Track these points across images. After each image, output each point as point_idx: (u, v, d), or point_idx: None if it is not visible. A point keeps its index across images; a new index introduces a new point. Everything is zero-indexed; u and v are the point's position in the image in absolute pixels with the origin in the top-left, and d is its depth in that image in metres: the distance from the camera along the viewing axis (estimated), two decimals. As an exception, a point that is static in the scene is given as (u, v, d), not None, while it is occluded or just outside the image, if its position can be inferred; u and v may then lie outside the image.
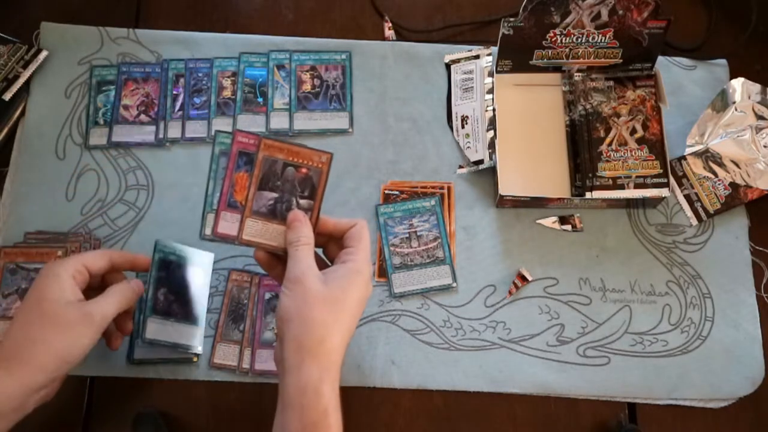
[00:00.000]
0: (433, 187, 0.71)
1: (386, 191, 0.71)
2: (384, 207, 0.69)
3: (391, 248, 0.68)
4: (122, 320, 0.59)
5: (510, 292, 0.67)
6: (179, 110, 0.73)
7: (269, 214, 0.53)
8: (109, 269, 0.58)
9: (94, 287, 0.57)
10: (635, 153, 0.68)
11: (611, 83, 0.71)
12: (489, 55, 0.74)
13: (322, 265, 0.54)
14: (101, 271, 0.56)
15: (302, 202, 0.54)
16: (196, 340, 0.64)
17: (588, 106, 0.70)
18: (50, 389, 0.52)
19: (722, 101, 0.71)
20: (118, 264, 0.58)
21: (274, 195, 0.53)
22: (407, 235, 0.68)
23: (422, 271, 0.67)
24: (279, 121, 0.72)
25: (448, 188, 0.71)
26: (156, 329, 0.60)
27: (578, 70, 0.72)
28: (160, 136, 0.72)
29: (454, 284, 0.67)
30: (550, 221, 0.70)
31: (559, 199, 0.68)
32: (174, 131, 0.72)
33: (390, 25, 0.77)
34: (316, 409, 0.47)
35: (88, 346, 0.52)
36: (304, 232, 0.53)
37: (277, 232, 0.53)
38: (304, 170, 0.54)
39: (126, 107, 0.73)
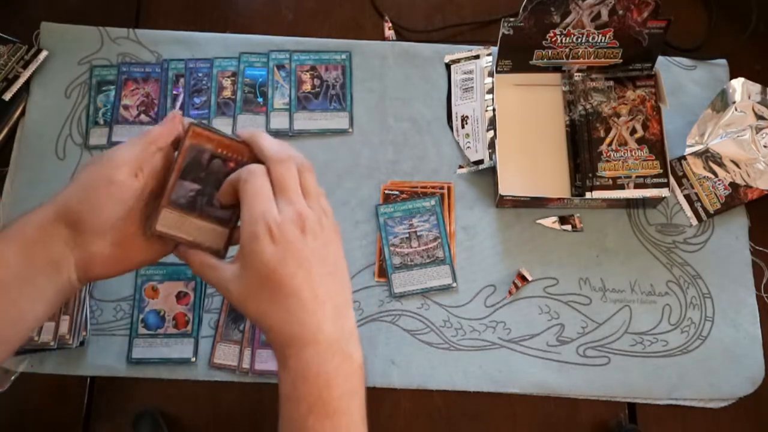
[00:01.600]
0: (433, 187, 0.71)
1: (386, 191, 0.71)
2: (384, 207, 0.69)
3: (391, 248, 0.68)
4: None
5: (510, 292, 0.67)
6: (179, 110, 0.73)
7: (188, 206, 0.48)
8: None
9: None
10: (635, 153, 0.68)
11: (611, 83, 0.71)
12: (489, 55, 0.74)
13: None
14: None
15: None
16: (222, 241, 0.49)
17: (588, 106, 0.70)
18: (85, 259, 0.44)
19: (722, 101, 0.71)
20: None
21: (196, 186, 0.48)
22: (407, 235, 0.68)
23: (422, 271, 0.67)
24: (279, 121, 0.72)
25: (448, 188, 0.71)
26: (173, 221, 0.47)
27: (578, 70, 0.72)
28: (160, 136, 0.72)
29: (454, 284, 0.67)
30: (550, 221, 0.70)
31: (559, 199, 0.68)
32: (174, 131, 0.72)
33: (390, 25, 0.77)
34: (316, 377, 0.42)
35: (115, 213, 0.44)
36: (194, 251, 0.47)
37: (194, 227, 0.48)
38: (231, 164, 0.48)
39: (126, 107, 0.73)
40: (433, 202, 0.69)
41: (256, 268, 0.42)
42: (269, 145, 0.45)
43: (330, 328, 0.43)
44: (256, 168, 0.44)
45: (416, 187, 0.71)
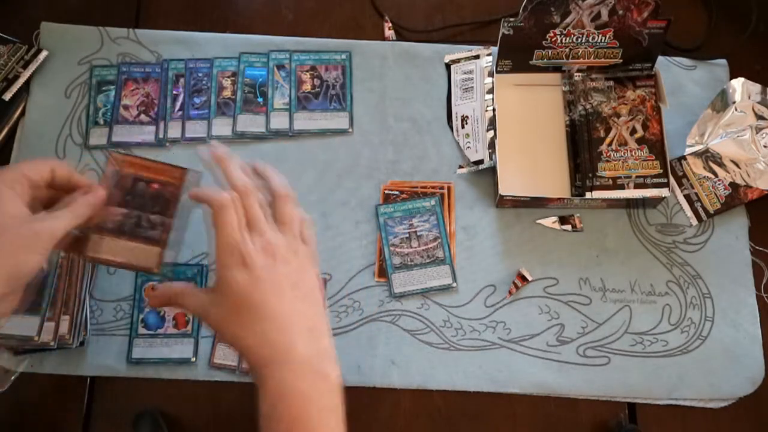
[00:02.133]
0: (433, 187, 0.71)
1: (386, 191, 0.71)
2: (384, 207, 0.69)
3: (391, 248, 0.68)
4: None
5: (510, 292, 0.67)
6: (179, 110, 0.73)
7: (116, 230, 0.51)
8: (53, 180, 0.50)
9: (47, 203, 0.51)
10: (635, 153, 0.68)
11: (611, 83, 0.71)
12: (489, 55, 0.74)
13: None
14: (43, 180, 0.50)
15: (152, 217, 0.52)
16: (154, 260, 0.52)
17: (588, 106, 0.70)
18: (10, 303, 0.47)
19: (722, 101, 0.71)
20: (60, 176, 0.51)
21: (122, 210, 0.51)
22: (407, 235, 0.68)
23: (422, 271, 0.67)
24: (279, 121, 0.72)
25: (448, 188, 0.71)
26: (103, 246, 0.51)
27: (578, 70, 0.72)
28: (160, 136, 0.72)
29: (454, 284, 0.67)
30: (550, 221, 0.70)
31: (559, 199, 0.68)
32: (174, 131, 0.72)
33: (390, 25, 0.77)
34: (294, 399, 0.44)
35: (38, 263, 0.46)
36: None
37: (125, 248, 0.51)
38: (155, 186, 0.52)
39: (126, 107, 0.73)
40: (433, 202, 0.69)
41: (231, 294, 0.45)
42: (237, 176, 0.48)
43: (303, 348, 0.45)
44: (225, 200, 0.46)
45: (416, 187, 0.71)
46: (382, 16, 0.78)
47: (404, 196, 0.70)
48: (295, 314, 0.46)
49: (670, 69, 0.75)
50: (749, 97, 0.70)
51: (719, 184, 0.70)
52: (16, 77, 0.72)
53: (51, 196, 0.51)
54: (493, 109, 0.70)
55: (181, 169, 0.53)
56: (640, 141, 0.68)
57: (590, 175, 0.68)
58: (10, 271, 0.45)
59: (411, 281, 0.67)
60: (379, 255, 0.68)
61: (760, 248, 0.69)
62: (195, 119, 0.73)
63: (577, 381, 0.65)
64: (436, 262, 0.68)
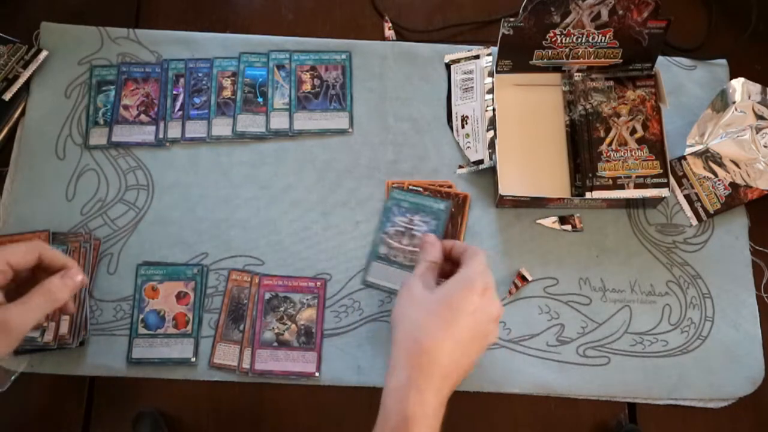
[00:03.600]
0: (448, 187, 0.70)
1: (410, 186, 0.70)
2: (398, 192, 0.68)
3: (383, 236, 0.67)
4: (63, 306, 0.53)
5: (510, 292, 0.67)
6: (179, 110, 0.73)
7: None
8: (39, 265, 0.51)
9: (25, 282, 0.51)
10: (635, 153, 0.68)
11: (611, 83, 0.71)
12: (489, 55, 0.74)
13: None
14: (28, 266, 0.50)
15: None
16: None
17: (588, 106, 0.70)
18: None
19: (722, 101, 0.71)
20: (49, 263, 0.51)
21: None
22: (403, 230, 0.68)
23: (400, 272, 0.67)
24: (279, 121, 0.72)
25: (464, 197, 0.70)
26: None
27: (578, 70, 0.72)
28: (160, 136, 0.72)
29: None
30: (550, 221, 0.70)
31: (559, 199, 0.68)
32: (174, 131, 0.72)
33: (390, 25, 0.77)
34: (397, 413, 0.45)
35: (9, 349, 0.47)
36: (431, 255, 0.56)
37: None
38: None
39: (126, 107, 0.73)
40: (442, 206, 0.68)
41: (451, 296, 0.51)
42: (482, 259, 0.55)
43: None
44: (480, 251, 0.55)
45: (437, 185, 0.70)
46: (382, 16, 0.78)
47: (424, 191, 0.70)
48: (466, 334, 0.51)
49: (670, 69, 0.75)
50: (749, 97, 0.70)
51: (719, 184, 0.70)
52: (16, 77, 0.72)
53: (29, 277, 0.51)
54: (493, 109, 0.70)
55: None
56: (640, 141, 0.68)
57: (590, 175, 0.68)
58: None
59: (386, 277, 0.67)
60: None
61: (760, 248, 0.69)
62: (195, 119, 0.73)
63: (577, 381, 0.65)
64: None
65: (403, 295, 0.52)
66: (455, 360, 0.49)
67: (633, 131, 0.69)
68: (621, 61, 0.71)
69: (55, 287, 0.49)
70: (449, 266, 0.57)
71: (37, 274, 0.52)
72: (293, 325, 0.66)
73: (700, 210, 0.70)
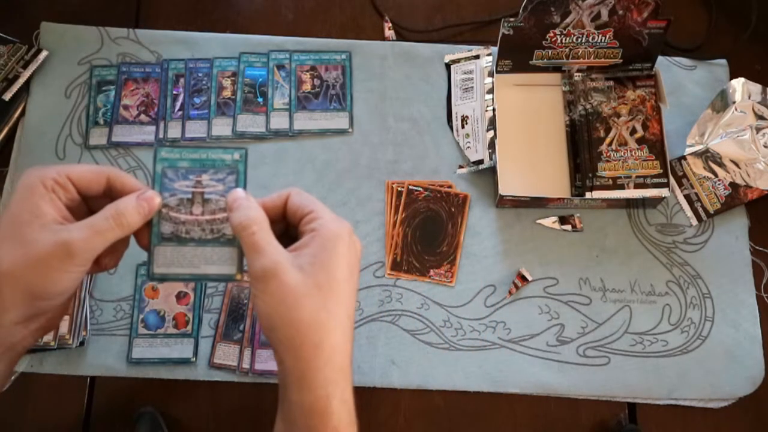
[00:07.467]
0: (457, 194, 0.70)
1: (410, 186, 0.70)
2: (167, 150, 0.47)
3: (164, 210, 0.46)
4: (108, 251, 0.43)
5: (510, 292, 0.67)
6: (179, 110, 0.73)
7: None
8: (107, 192, 0.44)
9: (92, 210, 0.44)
10: (635, 153, 0.68)
11: (611, 83, 0.71)
12: (489, 55, 0.74)
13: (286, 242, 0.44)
14: (93, 190, 0.43)
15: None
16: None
17: (588, 106, 0.70)
18: (38, 326, 0.42)
19: (722, 101, 0.71)
20: (121, 190, 0.43)
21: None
22: (190, 196, 0.47)
23: (198, 249, 0.47)
24: (279, 121, 0.72)
25: (464, 197, 0.70)
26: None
27: (578, 70, 0.72)
28: (160, 136, 0.72)
29: (239, 275, 0.47)
30: (550, 221, 0.70)
31: (559, 199, 0.68)
32: (174, 131, 0.72)
33: (390, 25, 0.77)
34: (325, 431, 0.41)
35: (71, 283, 0.40)
36: (252, 212, 0.42)
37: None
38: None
39: (126, 107, 0.73)
40: (236, 156, 0.48)
41: (328, 266, 0.42)
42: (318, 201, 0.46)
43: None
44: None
45: (434, 185, 0.70)
46: (382, 16, 0.78)
47: (426, 193, 0.70)
48: (352, 300, 0.46)
49: (670, 69, 0.75)
50: (749, 97, 0.70)
51: (719, 184, 0.70)
52: (16, 77, 0.72)
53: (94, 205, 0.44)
54: (493, 109, 0.70)
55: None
56: (640, 141, 0.68)
57: (590, 175, 0.68)
58: (35, 290, 0.39)
59: (180, 261, 0.46)
60: (393, 249, 0.68)
61: (760, 248, 0.69)
62: (195, 119, 0.73)
63: (577, 381, 0.65)
64: (221, 241, 0.47)
65: (273, 291, 0.40)
66: (349, 338, 0.43)
67: (633, 131, 0.69)
68: (621, 61, 0.71)
69: (126, 208, 0.41)
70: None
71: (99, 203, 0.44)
72: (293, 325, 0.65)
73: (700, 210, 0.70)
